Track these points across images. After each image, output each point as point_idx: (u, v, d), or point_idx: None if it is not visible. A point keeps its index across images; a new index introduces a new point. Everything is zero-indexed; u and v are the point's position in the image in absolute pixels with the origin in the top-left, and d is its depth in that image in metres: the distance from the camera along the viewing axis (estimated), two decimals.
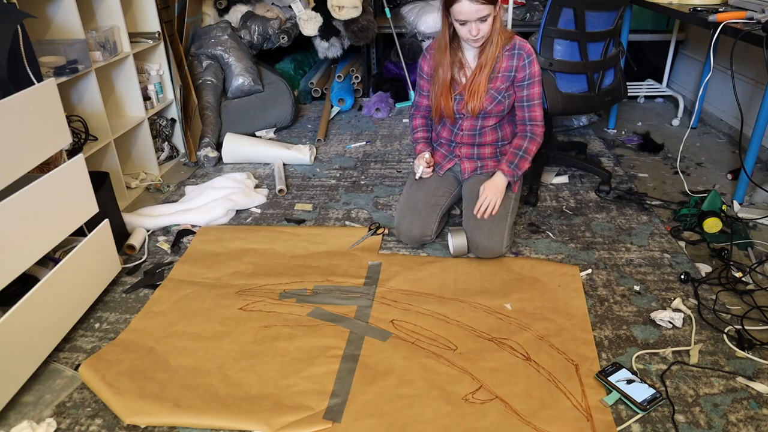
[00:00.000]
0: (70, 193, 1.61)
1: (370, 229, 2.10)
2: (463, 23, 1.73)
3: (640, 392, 1.34)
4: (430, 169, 2.02)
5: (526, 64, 1.85)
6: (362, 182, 2.57)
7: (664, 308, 1.67)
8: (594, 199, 2.35)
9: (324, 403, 1.35)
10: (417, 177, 2.01)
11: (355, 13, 3.21)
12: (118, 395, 1.38)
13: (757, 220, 2.12)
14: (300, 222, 2.24)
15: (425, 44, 3.59)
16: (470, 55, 1.89)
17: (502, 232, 1.87)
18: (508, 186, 1.95)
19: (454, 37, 1.85)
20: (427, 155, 2.00)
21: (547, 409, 1.32)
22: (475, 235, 1.87)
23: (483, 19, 1.72)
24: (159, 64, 2.70)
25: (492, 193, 1.88)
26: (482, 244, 1.87)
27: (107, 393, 1.39)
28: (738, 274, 1.80)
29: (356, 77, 3.72)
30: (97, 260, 1.72)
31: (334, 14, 3.22)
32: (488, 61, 1.83)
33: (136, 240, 2.05)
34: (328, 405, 1.35)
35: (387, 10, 3.50)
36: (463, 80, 1.90)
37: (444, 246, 2.02)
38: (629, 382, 1.37)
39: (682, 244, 2.00)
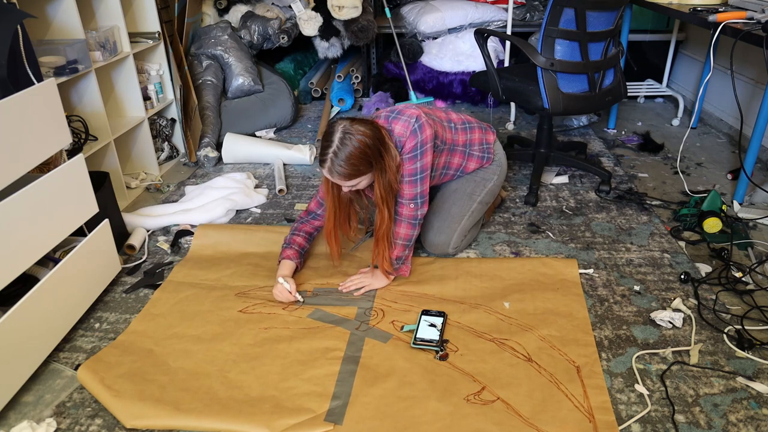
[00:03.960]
0: (70, 193, 1.61)
1: (367, 231, 2.10)
2: None
3: (427, 334, 1.55)
4: (291, 296, 1.71)
5: (400, 148, 1.64)
6: None
7: (664, 308, 1.67)
8: (594, 199, 2.35)
9: (325, 406, 1.35)
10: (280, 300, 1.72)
11: (355, 13, 3.21)
12: (118, 398, 1.37)
13: (757, 220, 2.12)
14: None
15: (425, 44, 3.59)
16: None
17: (451, 232, 1.90)
18: (469, 193, 1.92)
19: None
20: (286, 284, 1.70)
21: (549, 411, 1.32)
22: (425, 230, 1.92)
23: (353, 185, 1.60)
24: (159, 64, 2.70)
25: (367, 279, 1.78)
26: (428, 239, 1.92)
27: (106, 395, 1.38)
28: (738, 274, 1.80)
29: (356, 77, 3.72)
30: (97, 260, 1.72)
31: (334, 14, 3.22)
32: (385, 232, 1.69)
33: (136, 240, 2.05)
34: (329, 407, 1.34)
35: (387, 10, 3.49)
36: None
37: None
38: (431, 325, 1.58)
39: (682, 244, 2.00)
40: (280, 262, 1.79)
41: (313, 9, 3.26)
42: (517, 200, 2.35)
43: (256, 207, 2.36)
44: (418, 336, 1.55)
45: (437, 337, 1.54)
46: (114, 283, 1.86)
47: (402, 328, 1.60)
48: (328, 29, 3.29)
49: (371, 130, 1.54)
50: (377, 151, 1.55)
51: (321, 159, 1.55)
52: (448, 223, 1.90)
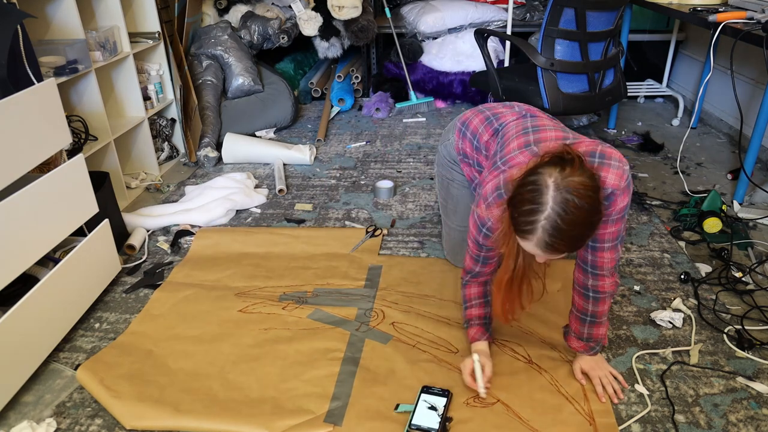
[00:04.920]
0: (70, 193, 1.61)
1: (367, 232, 2.10)
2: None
3: (425, 419, 1.28)
4: (474, 383, 1.38)
5: (607, 204, 1.20)
6: (362, 182, 2.56)
7: (664, 308, 1.67)
8: None
9: (325, 407, 1.35)
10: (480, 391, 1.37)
11: (355, 13, 3.21)
12: (118, 399, 1.37)
13: (757, 220, 2.12)
14: (300, 222, 2.23)
15: (425, 44, 3.58)
16: None
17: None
18: None
19: None
20: (477, 365, 1.37)
21: (550, 413, 1.32)
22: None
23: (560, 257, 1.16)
24: (159, 64, 2.69)
25: (597, 371, 1.40)
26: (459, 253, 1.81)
27: (106, 396, 1.38)
28: (738, 274, 1.80)
29: (356, 77, 3.72)
30: (97, 260, 1.72)
31: (334, 14, 3.22)
32: None
33: (136, 240, 2.05)
34: (329, 408, 1.34)
35: (387, 10, 3.49)
36: None
37: None
38: (431, 407, 1.31)
39: (682, 244, 2.00)
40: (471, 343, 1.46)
41: (313, 9, 3.26)
42: None
43: (256, 207, 2.36)
44: (413, 422, 1.28)
45: (436, 426, 1.27)
46: (114, 283, 1.86)
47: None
48: (328, 29, 3.29)
49: (592, 182, 1.06)
50: (601, 211, 1.09)
51: (524, 227, 1.06)
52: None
